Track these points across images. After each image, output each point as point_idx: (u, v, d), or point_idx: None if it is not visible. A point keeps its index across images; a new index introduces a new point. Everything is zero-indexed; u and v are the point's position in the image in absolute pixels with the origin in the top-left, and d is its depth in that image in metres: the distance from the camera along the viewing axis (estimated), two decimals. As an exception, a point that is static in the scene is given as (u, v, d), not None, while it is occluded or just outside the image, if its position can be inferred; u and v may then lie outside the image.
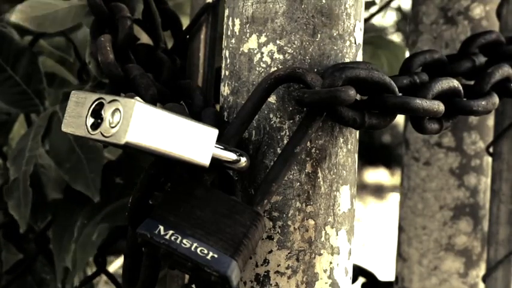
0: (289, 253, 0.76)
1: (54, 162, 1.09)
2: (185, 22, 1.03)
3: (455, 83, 0.78)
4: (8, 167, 1.10)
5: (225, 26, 0.80)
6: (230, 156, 0.71)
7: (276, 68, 0.76)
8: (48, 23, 1.02)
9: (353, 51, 0.79)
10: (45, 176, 1.21)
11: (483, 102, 0.80)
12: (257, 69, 0.77)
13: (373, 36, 1.41)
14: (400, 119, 0.98)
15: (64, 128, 0.70)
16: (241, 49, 0.78)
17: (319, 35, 0.76)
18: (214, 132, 0.69)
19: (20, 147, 1.11)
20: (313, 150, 0.76)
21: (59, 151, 1.09)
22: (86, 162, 1.07)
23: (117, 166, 1.18)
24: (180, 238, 0.67)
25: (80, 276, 1.30)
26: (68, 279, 1.16)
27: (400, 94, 0.75)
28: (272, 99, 0.76)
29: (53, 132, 1.10)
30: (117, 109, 0.65)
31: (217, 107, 0.84)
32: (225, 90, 0.80)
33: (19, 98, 1.16)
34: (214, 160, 0.69)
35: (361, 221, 5.15)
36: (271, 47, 0.76)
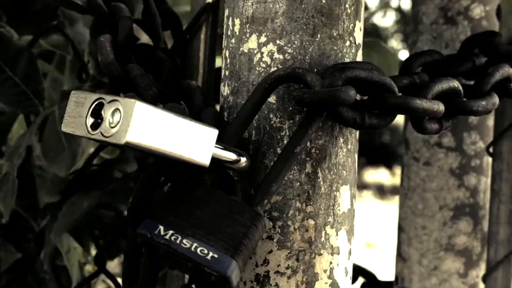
0: (289, 253, 0.76)
1: (42, 154, 1.10)
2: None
3: (455, 83, 0.78)
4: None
5: (225, 26, 0.80)
6: (230, 156, 0.71)
7: (276, 68, 0.76)
8: None
9: (353, 51, 0.79)
10: (41, 178, 1.21)
11: (483, 102, 0.80)
12: (257, 69, 0.77)
13: (371, 41, 1.42)
14: (400, 119, 0.98)
15: (64, 128, 0.70)
16: (241, 49, 0.78)
17: (319, 35, 0.76)
18: (214, 132, 0.69)
19: (16, 145, 1.12)
20: (313, 150, 0.76)
21: (49, 144, 1.10)
22: (67, 147, 1.08)
23: (116, 162, 1.19)
24: (180, 238, 0.67)
25: (78, 277, 1.30)
26: (47, 248, 1.17)
27: (400, 94, 0.75)
28: (272, 99, 0.76)
29: (46, 129, 1.10)
30: (117, 109, 0.65)
31: (217, 107, 0.84)
32: (225, 90, 0.80)
33: (18, 98, 1.17)
34: (214, 160, 0.69)
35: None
36: (271, 47, 0.76)
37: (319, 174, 0.76)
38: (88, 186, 1.18)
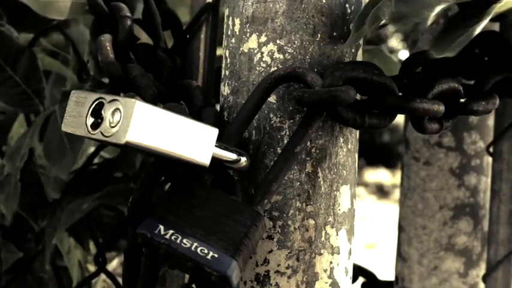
0: (289, 253, 0.76)
1: (44, 155, 1.11)
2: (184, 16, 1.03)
3: (455, 83, 0.78)
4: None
5: (225, 26, 0.80)
6: (230, 156, 0.71)
7: (276, 68, 0.76)
8: (50, 10, 1.02)
9: (353, 51, 0.79)
10: (45, 176, 1.21)
11: (483, 102, 0.80)
12: (257, 69, 0.77)
13: (373, 48, 1.43)
14: (400, 119, 0.98)
15: (64, 128, 0.70)
16: (241, 49, 0.78)
17: (319, 35, 0.76)
18: (214, 132, 0.69)
19: (18, 145, 1.12)
20: (313, 150, 0.76)
21: (51, 145, 1.10)
22: (69, 149, 1.08)
23: (116, 161, 1.20)
24: (180, 238, 0.67)
25: (78, 277, 1.30)
26: (47, 248, 1.17)
27: (400, 94, 0.75)
28: (272, 99, 0.76)
29: (49, 129, 1.11)
30: (117, 109, 0.65)
31: (217, 106, 0.84)
32: (225, 90, 0.80)
33: (19, 98, 1.17)
34: (215, 160, 0.69)
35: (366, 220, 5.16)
36: (271, 46, 0.76)
37: (319, 174, 0.76)
38: (88, 187, 1.18)
